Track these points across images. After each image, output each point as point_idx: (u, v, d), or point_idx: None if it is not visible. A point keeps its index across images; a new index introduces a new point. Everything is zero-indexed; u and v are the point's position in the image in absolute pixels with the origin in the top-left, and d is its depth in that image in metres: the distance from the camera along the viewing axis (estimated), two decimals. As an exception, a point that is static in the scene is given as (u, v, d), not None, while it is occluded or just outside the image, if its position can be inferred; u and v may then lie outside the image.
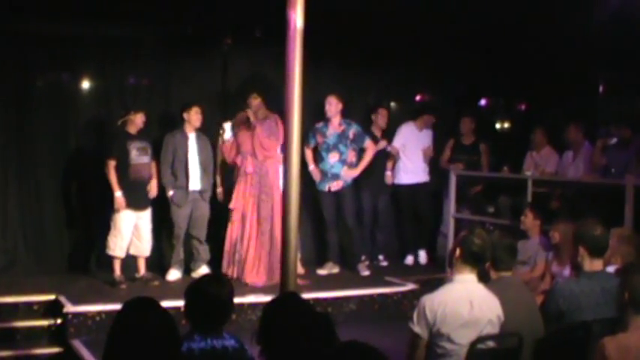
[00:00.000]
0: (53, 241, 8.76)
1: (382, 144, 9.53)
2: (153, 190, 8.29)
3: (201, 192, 8.59)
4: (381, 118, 9.64)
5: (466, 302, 4.19)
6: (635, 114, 8.95)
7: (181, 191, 8.47)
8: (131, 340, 2.97)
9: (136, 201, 8.08)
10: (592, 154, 8.48)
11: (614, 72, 9.74)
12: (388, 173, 9.80)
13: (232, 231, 8.48)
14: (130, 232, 8.11)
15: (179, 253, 8.59)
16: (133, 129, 8.11)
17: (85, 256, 8.79)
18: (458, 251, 4.36)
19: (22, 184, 8.59)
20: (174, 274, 8.52)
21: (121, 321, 3.04)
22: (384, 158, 9.70)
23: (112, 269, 8.11)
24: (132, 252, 8.23)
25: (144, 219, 8.20)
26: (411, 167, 9.81)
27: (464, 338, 4.14)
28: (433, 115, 9.95)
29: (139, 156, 8.09)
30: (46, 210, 8.71)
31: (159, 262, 8.73)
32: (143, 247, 8.24)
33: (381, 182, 9.73)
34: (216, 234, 8.80)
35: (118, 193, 7.96)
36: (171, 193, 8.44)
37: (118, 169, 7.99)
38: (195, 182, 8.53)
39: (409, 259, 9.95)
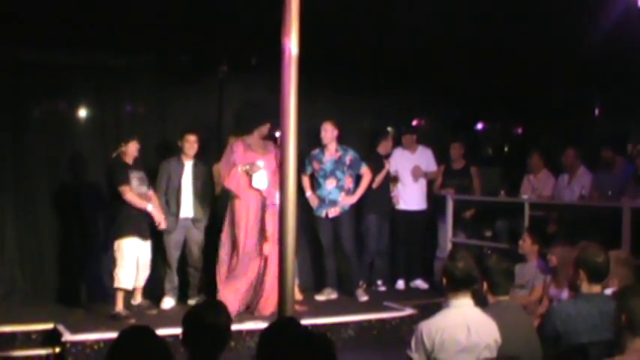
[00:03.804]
0: (51, 270, 8.70)
1: (387, 167, 9.63)
2: (161, 223, 8.19)
3: (193, 220, 8.55)
4: (389, 142, 9.76)
5: (463, 328, 4.18)
6: (620, 135, 8.99)
7: (171, 218, 8.42)
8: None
9: (139, 230, 7.97)
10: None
11: (610, 95, 9.80)
12: (393, 194, 9.84)
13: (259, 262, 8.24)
14: (135, 262, 7.97)
15: (172, 280, 8.53)
16: (129, 159, 8.01)
17: (83, 285, 8.75)
18: (444, 281, 4.38)
19: (19, 212, 8.59)
20: (168, 302, 8.45)
21: (116, 350, 3.04)
22: (390, 182, 9.75)
23: (113, 302, 7.81)
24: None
25: (145, 249, 8.11)
26: (404, 192, 9.87)
27: (462, 364, 4.12)
28: (413, 134, 10.01)
29: (139, 186, 8.02)
30: (44, 238, 8.69)
31: (154, 290, 8.60)
32: (141, 276, 8.13)
33: (387, 207, 9.75)
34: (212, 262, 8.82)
35: (150, 207, 7.96)
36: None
37: (121, 198, 7.85)
38: (187, 210, 8.50)
39: (400, 284, 9.94)
